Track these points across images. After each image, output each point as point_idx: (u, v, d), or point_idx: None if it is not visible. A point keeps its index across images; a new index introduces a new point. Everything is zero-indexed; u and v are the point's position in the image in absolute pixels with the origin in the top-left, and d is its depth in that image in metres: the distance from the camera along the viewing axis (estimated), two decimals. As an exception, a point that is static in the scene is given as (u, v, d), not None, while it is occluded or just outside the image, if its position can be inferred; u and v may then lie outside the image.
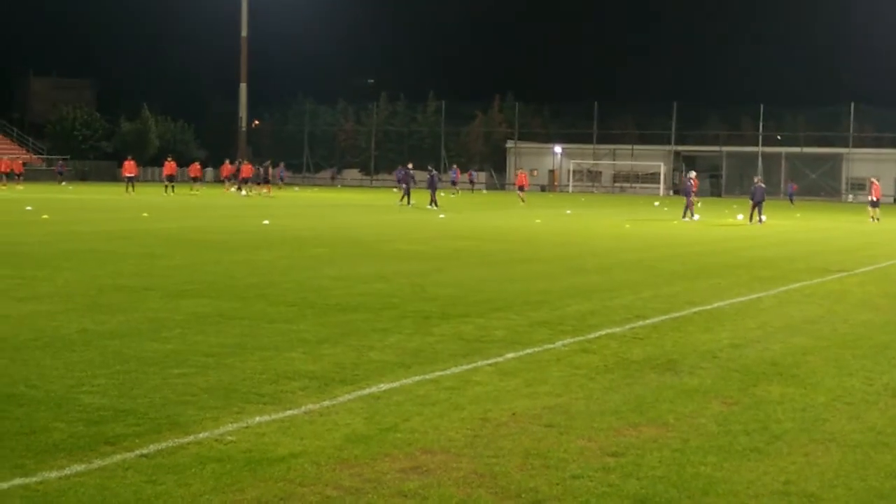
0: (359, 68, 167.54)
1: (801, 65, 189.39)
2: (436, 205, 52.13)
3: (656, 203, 62.40)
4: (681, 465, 7.20)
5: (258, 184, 68.90)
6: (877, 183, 52.82)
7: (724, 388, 9.80)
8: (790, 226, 44.85)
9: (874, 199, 51.43)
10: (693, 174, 50.80)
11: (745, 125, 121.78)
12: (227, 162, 66.61)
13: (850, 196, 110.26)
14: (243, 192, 68.10)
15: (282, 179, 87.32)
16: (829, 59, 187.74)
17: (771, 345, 12.40)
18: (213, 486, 6.58)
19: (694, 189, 49.25)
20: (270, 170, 67.61)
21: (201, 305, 14.37)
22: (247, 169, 72.24)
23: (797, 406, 9.15)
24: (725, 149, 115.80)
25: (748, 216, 45.54)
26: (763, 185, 47.39)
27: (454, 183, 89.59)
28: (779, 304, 16.37)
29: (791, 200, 72.02)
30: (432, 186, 53.93)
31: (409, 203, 53.81)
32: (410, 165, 60.96)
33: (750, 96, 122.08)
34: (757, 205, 45.41)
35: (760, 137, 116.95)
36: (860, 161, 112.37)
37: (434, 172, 56.29)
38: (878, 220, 49.43)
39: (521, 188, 67.18)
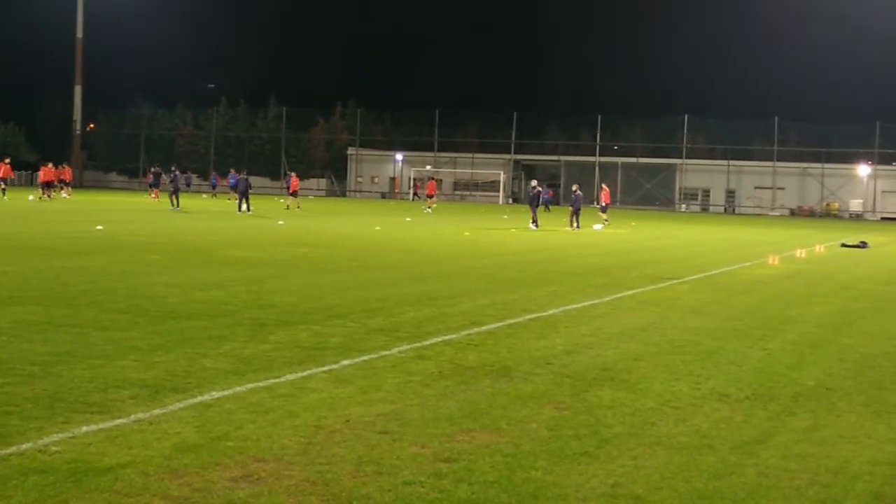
0: (199, 72, 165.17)
1: (637, 77, 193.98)
2: (248, 209, 53.70)
3: (505, 216, 63.14)
4: (512, 470, 7.27)
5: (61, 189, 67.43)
6: (606, 189, 56.32)
7: (556, 394, 9.94)
8: (626, 234, 45.82)
9: (603, 204, 54.43)
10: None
11: (584, 136, 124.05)
12: (50, 166, 64.83)
13: (684, 206, 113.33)
14: (64, 195, 66.59)
15: (188, 185, 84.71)
16: (664, 72, 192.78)
17: (603, 351, 12.63)
18: (35, 499, 6.37)
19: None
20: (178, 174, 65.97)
21: (29, 313, 13.93)
22: (67, 172, 70.71)
23: (627, 410, 9.34)
24: (564, 158, 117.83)
25: (569, 223, 47.88)
26: (581, 194, 50.28)
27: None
28: (612, 311, 16.69)
29: (547, 208, 73.10)
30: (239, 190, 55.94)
31: (248, 209, 53.47)
32: (245, 172, 60.82)
33: (588, 107, 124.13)
34: (576, 212, 48.29)
35: (598, 148, 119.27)
36: (693, 172, 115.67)
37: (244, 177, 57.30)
38: (607, 222, 52.28)
39: (429, 196, 70.80)
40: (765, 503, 6.78)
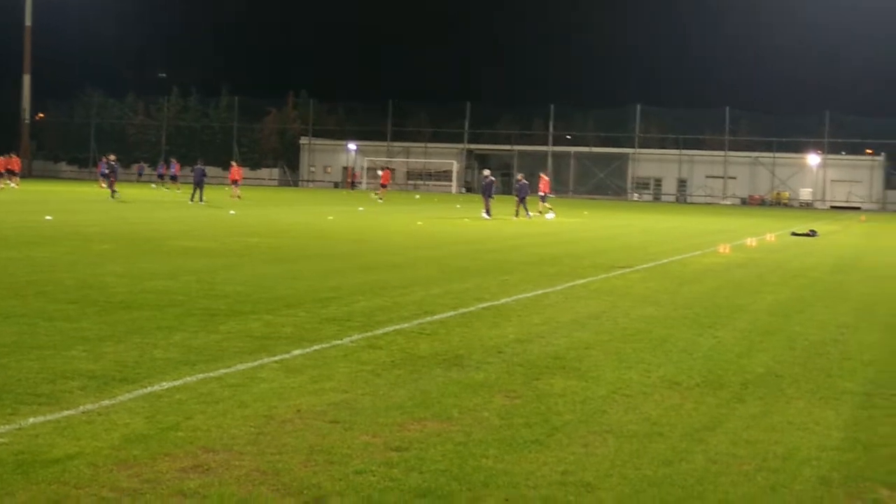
0: (150, 61, 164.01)
1: (590, 67, 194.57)
2: (201, 199, 53.74)
3: (458, 206, 63.25)
4: (463, 458, 7.28)
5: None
6: (545, 177, 56.36)
7: (508, 383, 9.95)
8: (578, 224, 46.02)
9: (542, 193, 54.29)
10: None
11: (537, 125, 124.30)
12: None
13: (636, 195, 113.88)
14: (13, 185, 65.96)
15: (174, 179, 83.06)
16: (617, 62, 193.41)
17: (555, 339, 12.67)
18: (-19, 491, 6.31)
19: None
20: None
21: (-24, 303, 13.79)
22: (15, 162, 69.96)
23: (578, 398, 9.37)
24: (517, 148, 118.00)
25: (514, 212, 48.11)
26: (526, 182, 50.55)
27: (172, 178, 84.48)
28: (564, 300, 16.75)
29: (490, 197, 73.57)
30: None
31: (201, 199, 53.17)
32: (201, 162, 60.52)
33: (541, 97, 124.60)
34: (521, 201, 48.60)
35: (551, 137, 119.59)
36: (645, 161, 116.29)
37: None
38: (548, 211, 52.05)
39: (383, 186, 71.30)
40: (713, 489, 6.82)
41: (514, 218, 46.94)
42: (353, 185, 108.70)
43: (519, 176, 52.08)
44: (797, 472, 7.26)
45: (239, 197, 59.49)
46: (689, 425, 8.52)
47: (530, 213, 47.83)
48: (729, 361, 11.56)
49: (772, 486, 6.91)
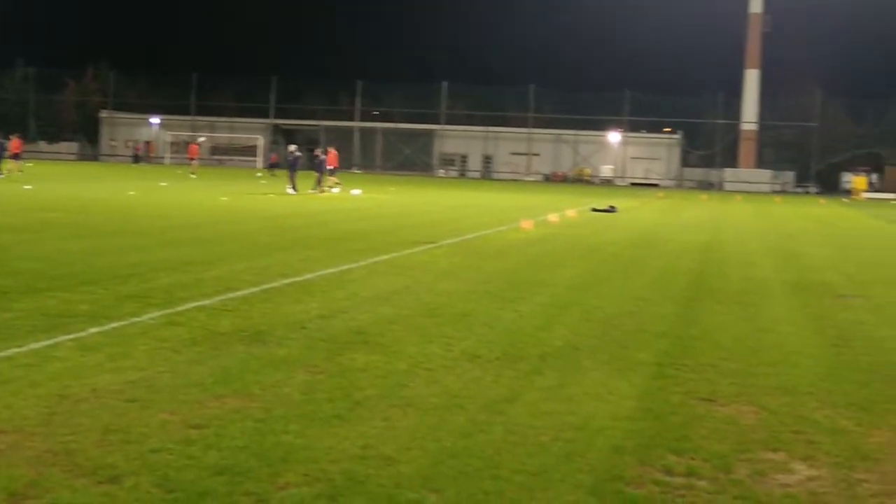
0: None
1: (398, 43, 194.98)
2: None
3: (263, 181, 62.70)
4: (262, 435, 7.23)
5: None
6: (333, 151, 55.27)
7: (310, 358, 9.92)
8: (385, 200, 46.13)
9: (331, 167, 53.48)
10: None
11: (344, 101, 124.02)
12: None
13: (442, 171, 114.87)
14: None
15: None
16: (426, 39, 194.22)
17: (358, 314, 12.67)
18: None
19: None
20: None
21: None
22: None
23: (380, 373, 9.40)
24: (323, 123, 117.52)
25: (291, 185, 47.93)
26: (300, 154, 51.57)
27: None
28: (369, 275, 16.77)
29: (272, 174, 73.79)
30: None
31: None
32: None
33: (349, 72, 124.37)
34: (294, 173, 48.93)
35: (358, 112, 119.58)
36: (452, 138, 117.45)
37: None
38: (335, 185, 52.11)
39: (192, 160, 71.15)
40: (510, 459, 6.95)
41: (316, 192, 47.18)
42: (137, 159, 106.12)
43: (292, 147, 52.41)
44: (591, 441, 7.46)
45: (21, 171, 57.16)
46: (489, 397, 8.65)
47: (291, 189, 47.34)
48: (529, 335, 11.78)
49: (567, 455, 7.08)
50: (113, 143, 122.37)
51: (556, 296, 15.29)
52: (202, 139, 76.02)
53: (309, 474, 6.46)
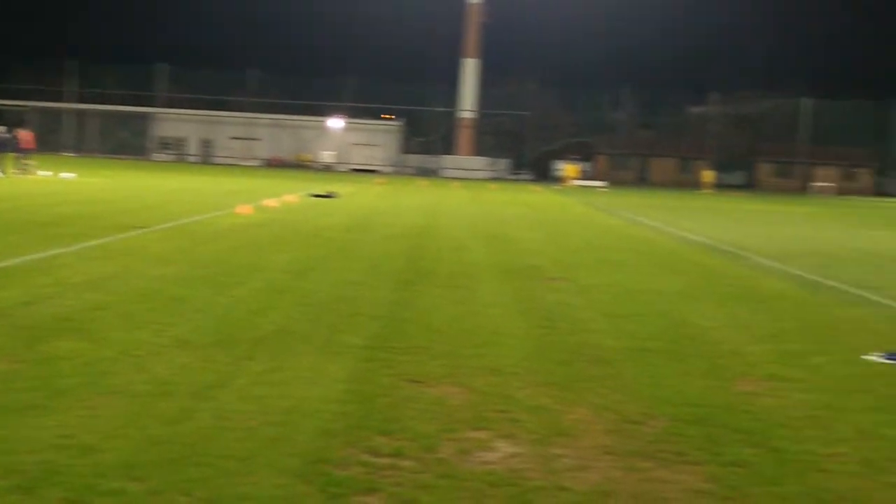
0: None
1: (117, 21, 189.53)
2: None
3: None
4: (-47, 428, 6.88)
5: None
6: (25, 133, 53.11)
7: (10, 347, 9.50)
8: (98, 184, 44.78)
9: (25, 149, 51.66)
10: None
11: (56, 81, 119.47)
12: None
13: (160, 155, 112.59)
14: None
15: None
16: (143, 17, 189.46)
17: (65, 301, 12.24)
18: None
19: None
20: None
21: None
22: None
23: (85, 361, 9.10)
24: (32, 104, 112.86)
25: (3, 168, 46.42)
26: (8, 136, 49.24)
27: None
28: (77, 261, 16.21)
29: None
30: None
31: None
32: None
33: (61, 51, 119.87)
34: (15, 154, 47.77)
35: (71, 94, 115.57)
36: (170, 121, 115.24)
37: None
38: (29, 168, 50.48)
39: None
40: (217, 445, 6.86)
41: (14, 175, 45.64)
42: None
43: (1, 129, 50.47)
44: (300, 425, 7.45)
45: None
46: (199, 383, 8.51)
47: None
48: (242, 320, 11.66)
49: (274, 440, 7.04)
50: None
51: (272, 280, 15.20)
52: None
53: (2, 466, 6.19)
